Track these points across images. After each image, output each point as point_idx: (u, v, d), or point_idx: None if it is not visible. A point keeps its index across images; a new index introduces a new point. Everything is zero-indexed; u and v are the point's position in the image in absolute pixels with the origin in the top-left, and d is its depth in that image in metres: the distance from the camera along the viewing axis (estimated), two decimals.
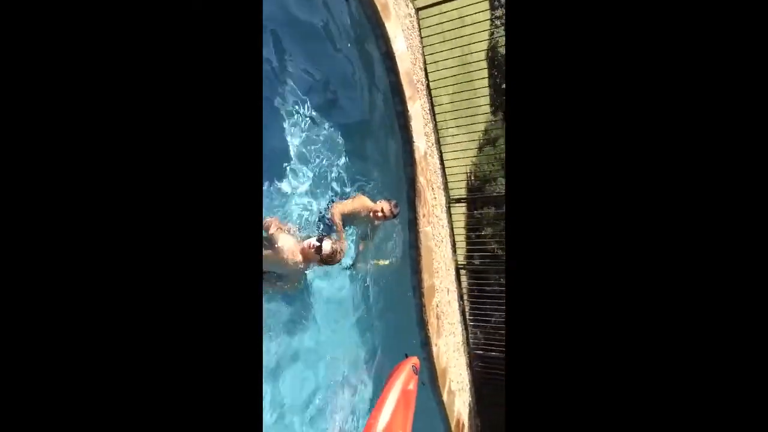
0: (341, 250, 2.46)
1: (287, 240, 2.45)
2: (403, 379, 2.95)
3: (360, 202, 3.04)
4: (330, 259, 2.41)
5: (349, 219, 3.06)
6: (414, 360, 3.15)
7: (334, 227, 2.92)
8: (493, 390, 5.14)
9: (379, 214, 2.98)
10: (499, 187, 5.08)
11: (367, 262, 3.33)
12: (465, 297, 4.93)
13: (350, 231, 3.24)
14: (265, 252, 2.41)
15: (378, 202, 3.03)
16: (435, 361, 4.10)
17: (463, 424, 4.64)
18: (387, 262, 3.30)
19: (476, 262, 5.01)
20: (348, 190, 3.23)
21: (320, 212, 2.95)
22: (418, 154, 3.76)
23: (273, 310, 2.69)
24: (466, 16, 4.14)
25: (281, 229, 2.53)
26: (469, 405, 4.89)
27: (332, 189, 3.12)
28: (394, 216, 3.03)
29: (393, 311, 3.64)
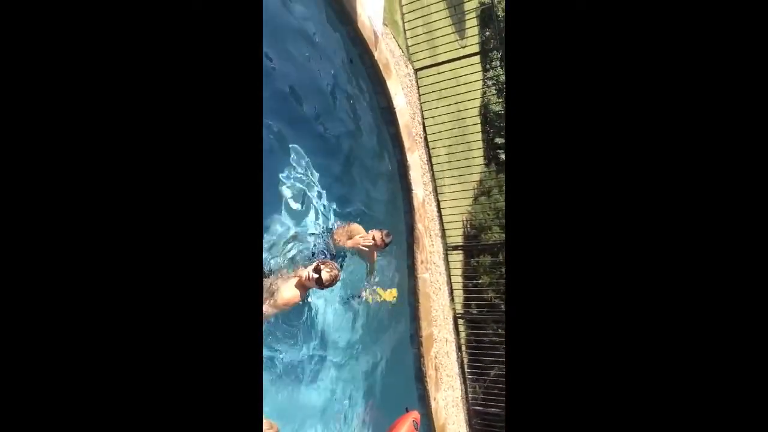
0: (338, 270, 2.47)
1: (289, 289, 2.44)
2: None
3: (354, 229, 3.06)
4: (330, 285, 2.43)
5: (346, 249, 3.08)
6: (415, 414, 3.02)
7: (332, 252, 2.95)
8: None
9: (370, 242, 2.98)
10: (495, 235, 5.16)
11: (371, 295, 3.27)
12: (463, 348, 4.80)
13: (351, 263, 3.20)
14: (266, 308, 2.40)
15: (370, 232, 3.03)
16: (434, 416, 3.90)
17: None
18: (393, 295, 3.19)
19: (473, 311, 4.94)
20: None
21: (319, 243, 2.96)
22: (417, 201, 3.87)
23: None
24: (461, 76, 4.48)
25: (281, 277, 2.54)
26: None
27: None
28: (386, 245, 3.03)
29: (392, 361, 3.53)
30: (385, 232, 3.04)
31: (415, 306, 3.89)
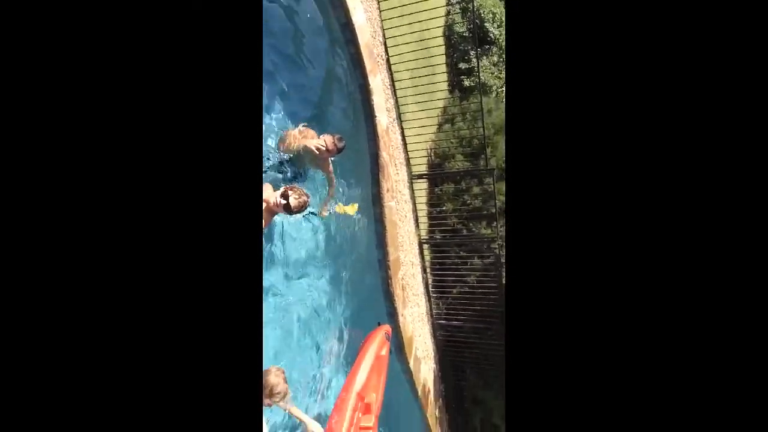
0: (307, 196, 2.43)
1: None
2: (377, 345, 3.05)
3: (307, 133, 2.90)
4: (299, 211, 2.41)
5: (303, 158, 2.95)
6: (386, 327, 3.27)
7: (294, 170, 2.86)
8: (454, 357, 5.44)
9: (322, 147, 2.84)
10: (458, 163, 5.24)
11: (334, 213, 3.24)
12: (428, 270, 5.11)
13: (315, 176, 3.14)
14: None
15: (321, 136, 2.87)
16: (401, 330, 4.25)
17: (429, 390, 4.88)
18: (354, 209, 3.16)
19: (437, 236, 5.19)
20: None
21: (276, 151, 2.84)
22: (380, 128, 3.79)
23: None
24: None
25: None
26: (434, 371, 5.14)
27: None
28: (339, 150, 2.90)
29: (359, 282, 3.72)
30: (337, 136, 2.89)
31: (382, 233, 4.01)
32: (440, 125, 5.69)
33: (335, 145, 2.87)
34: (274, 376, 2.24)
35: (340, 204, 3.15)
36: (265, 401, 2.26)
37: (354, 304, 3.51)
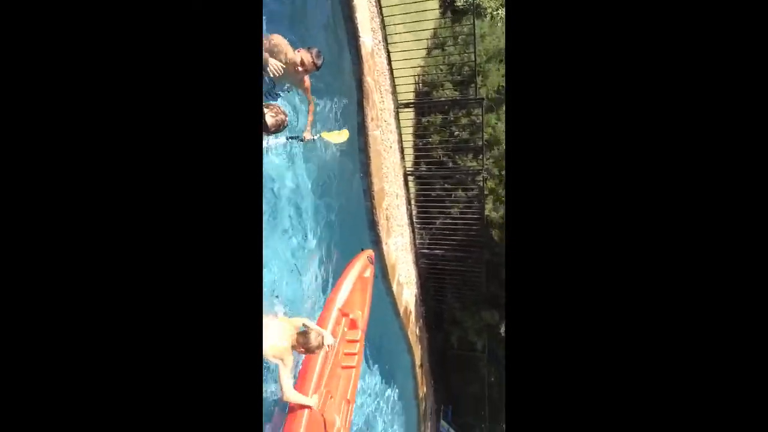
0: (284, 114, 2.26)
1: None
2: (359, 267, 3.21)
3: (278, 44, 2.52)
4: (277, 130, 2.27)
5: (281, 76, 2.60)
6: (369, 252, 3.41)
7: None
8: (435, 283, 5.79)
9: (300, 68, 2.56)
10: (446, 92, 5.07)
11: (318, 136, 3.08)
12: (412, 202, 5.20)
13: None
14: None
15: (296, 51, 2.54)
16: (385, 257, 4.44)
17: (410, 311, 5.25)
18: (344, 137, 3.04)
19: (423, 168, 5.20)
20: None
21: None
22: (365, 51, 3.58)
23: None
24: None
25: None
26: (415, 296, 5.49)
27: None
28: (317, 68, 2.61)
29: (345, 210, 3.79)
30: (315, 50, 2.56)
31: (366, 163, 3.99)
32: (429, 50, 5.39)
33: (313, 62, 2.55)
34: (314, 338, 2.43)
35: (325, 131, 3.07)
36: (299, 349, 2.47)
37: (339, 233, 3.61)
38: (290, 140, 2.83)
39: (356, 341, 3.21)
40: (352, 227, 3.84)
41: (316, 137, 2.99)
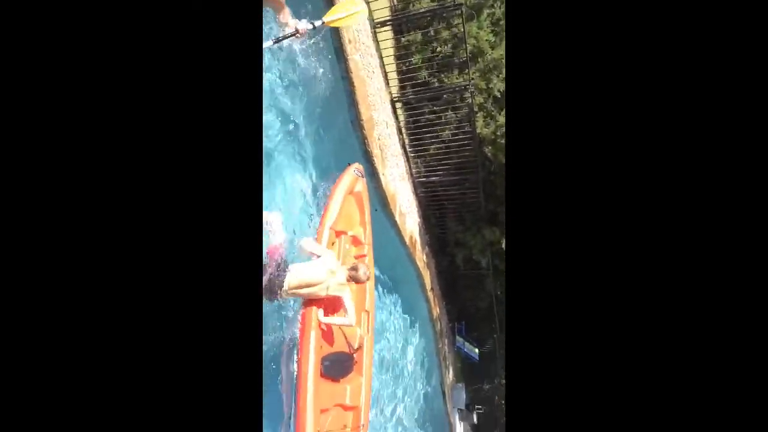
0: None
1: None
2: (348, 182, 3.16)
3: None
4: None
5: None
6: (356, 165, 3.31)
7: None
8: (436, 210, 5.85)
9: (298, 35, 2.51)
10: (424, 4, 4.72)
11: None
12: (403, 130, 5.07)
13: None
14: None
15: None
16: (384, 188, 4.43)
17: (415, 240, 5.36)
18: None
19: (409, 93, 5.00)
20: None
21: None
22: None
23: None
24: None
25: None
26: (418, 224, 5.57)
27: None
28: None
29: (338, 142, 3.69)
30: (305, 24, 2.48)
31: (351, 91, 3.81)
32: None
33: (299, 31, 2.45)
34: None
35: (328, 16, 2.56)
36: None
37: (334, 165, 3.54)
38: (278, 42, 2.44)
39: (364, 255, 3.26)
40: (348, 159, 3.76)
41: (317, 24, 2.55)
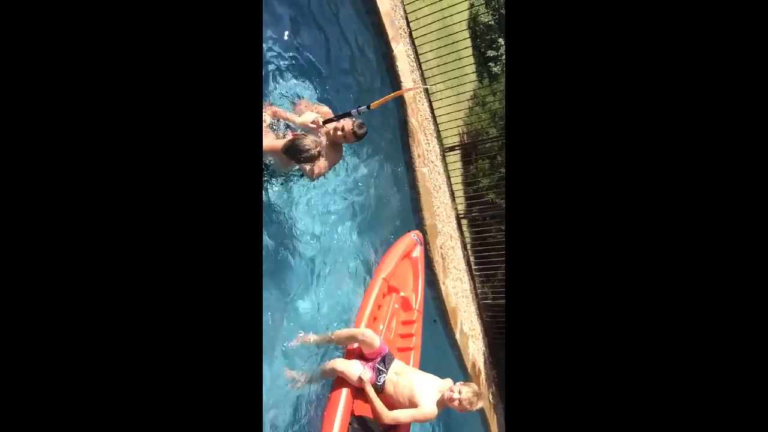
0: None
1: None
2: (404, 245, 3.01)
3: (323, 112, 2.49)
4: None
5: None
6: (415, 231, 3.20)
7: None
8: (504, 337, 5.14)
9: (339, 132, 2.45)
10: (491, 140, 5.22)
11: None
12: (469, 247, 5.00)
13: None
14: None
15: (341, 121, 2.40)
16: (444, 299, 4.16)
17: (480, 369, 4.63)
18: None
19: (476, 214, 5.11)
20: None
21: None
22: (407, 95, 3.93)
23: None
24: None
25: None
26: (484, 354, 4.89)
27: None
28: (358, 139, 2.50)
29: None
30: (357, 122, 2.43)
31: (416, 199, 4.04)
32: (471, 108, 5.75)
33: (354, 131, 2.42)
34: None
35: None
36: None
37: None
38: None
39: (413, 322, 2.87)
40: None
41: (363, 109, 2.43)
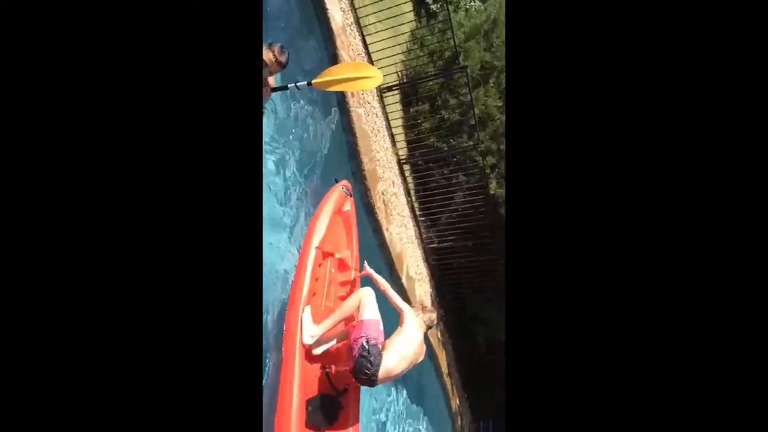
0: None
1: None
2: (335, 200, 2.83)
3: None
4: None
5: None
6: (343, 182, 3.01)
7: None
8: (450, 279, 5.31)
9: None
10: (430, 78, 5.01)
11: None
12: (412, 193, 4.93)
13: None
14: None
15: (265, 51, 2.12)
16: (389, 245, 4.09)
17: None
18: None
19: (417, 156, 4.99)
20: None
21: None
22: (335, 24, 3.54)
23: None
24: None
25: None
26: (431, 295, 5.01)
27: None
28: (283, 66, 2.21)
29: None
30: (276, 47, 2.14)
31: (353, 142, 3.80)
32: (409, 50, 5.44)
33: (276, 59, 2.14)
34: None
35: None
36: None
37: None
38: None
39: (349, 282, 2.79)
40: None
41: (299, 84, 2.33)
